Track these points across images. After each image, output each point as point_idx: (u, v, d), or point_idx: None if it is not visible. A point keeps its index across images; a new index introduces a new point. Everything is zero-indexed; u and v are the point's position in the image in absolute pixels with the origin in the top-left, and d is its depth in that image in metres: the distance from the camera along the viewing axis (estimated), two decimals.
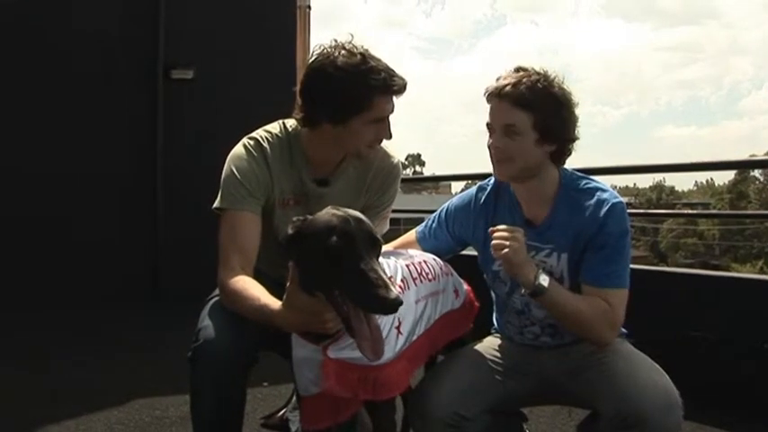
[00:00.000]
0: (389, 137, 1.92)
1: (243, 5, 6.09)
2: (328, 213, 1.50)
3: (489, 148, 1.85)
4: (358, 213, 1.52)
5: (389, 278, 1.45)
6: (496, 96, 1.80)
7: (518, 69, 1.84)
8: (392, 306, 1.37)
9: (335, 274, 1.43)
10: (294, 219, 1.54)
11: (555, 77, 1.81)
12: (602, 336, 1.75)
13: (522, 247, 1.74)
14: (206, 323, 1.82)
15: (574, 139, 1.85)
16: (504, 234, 1.75)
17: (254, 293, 1.69)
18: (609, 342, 1.75)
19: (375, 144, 1.92)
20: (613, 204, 1.78)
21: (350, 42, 1.85)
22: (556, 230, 1.84)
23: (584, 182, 1.87)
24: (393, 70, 1.84)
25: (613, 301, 1.75)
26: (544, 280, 1.72)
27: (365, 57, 1.82)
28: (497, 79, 1.84)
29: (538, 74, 1.80)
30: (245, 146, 1.96)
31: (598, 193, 1.81)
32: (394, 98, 1.87)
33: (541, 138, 1.79)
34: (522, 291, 1.79)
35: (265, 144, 1.96)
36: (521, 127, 1.78)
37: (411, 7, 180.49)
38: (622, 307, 1.77)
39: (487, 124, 1.85)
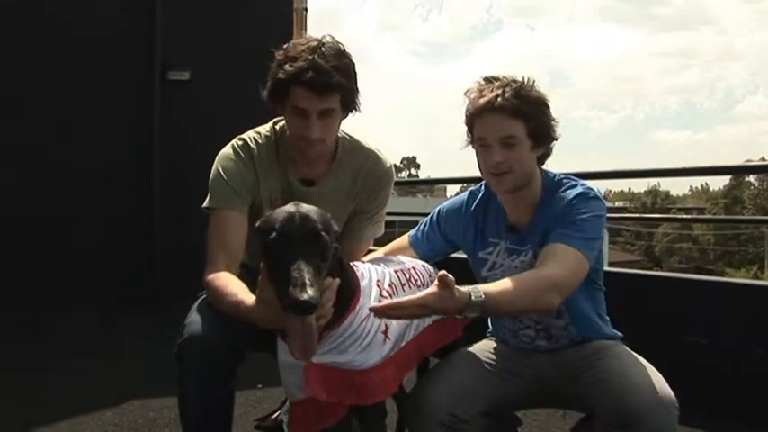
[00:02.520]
0: (313, 135, 1.85)
1: (239, 7, 6.10)
2: (282, 209, 1.51)
3: (482, 164, 1.84)
4: (310, 210, 1.50)
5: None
6: (490, 110, 1.77)
7: (489, 80, 1.83)
8: (300, 307, 1.33)
9: (273, 270, 1.44)
10: (266, 213, 1.56)
11: (528, 81, 1.82)
12: (548, 304, 1.65)
13: (438, 302, 1.49)
14: (192, 319, 1.84)
15: (557, 138, 1.87)
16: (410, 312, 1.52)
17: (233, 290, 1.70)
18: (554, 307, 1.67)
19: (305, 141, 1.87)
20: (582, 191, 1.79)
21: (329, 35, 1.87)
22: (535, 231, 1.85)
23: (564, 181, 1.88)
24: (320, 66, 1.79)
25: (563, 258, 1.68)
26: (479, 297, 1.53)
27: (304, 47, 1.83)
28: (474, 93, 1.83)
29: (514, 81, 1.80)
30: (232, 146, 2.00)
31: (572, 189, 1.82)
32: (314, 94, 1.80)
33: (535, 144, 1.80)
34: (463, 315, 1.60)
35: (252, 144, 1.99)
36: (519, 137, 1.77)
37: (408, 11, 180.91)
38: (571, 267, 1.68)
39: (479, 139, 1.82)
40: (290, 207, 1.51)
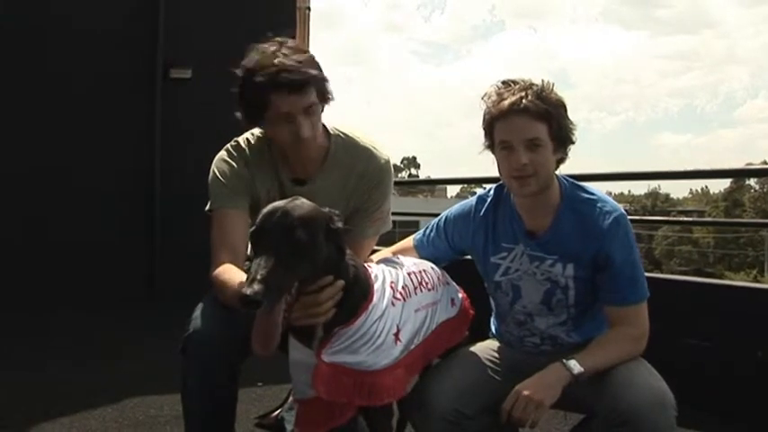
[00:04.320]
0: (306, 134, 1.87)
1: (242, 5, 6.10)
2: (274, 204, 1.52)
3: (504, 168, 1.82)
4: (300, 206, 1.50)
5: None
6: (515, 112, 1.76)
7: (508, 83, 1.83)
8: (241, 300, 1.33)
9: None
10: None
11: (548, 84, 1.82)
12: (639, 352, 1.80)
13: (545, 396, 1.67)
14: (197, 314, 1.86)
15: (574, 142, 1.86)
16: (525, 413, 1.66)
17: (238, 282, 1.71)
18: (643, 349, 1.80)
19: (298, 142, 1.89)
20: (616, 219, 1.79)
21: (276, 39, 1.89)
22: (559, 241, 1.84)
23: (585, 192, 1.87)
24: (290, 66, 1.82)
25: (635, 317, 1.80)
26: (575, 366, 1.69)
27: (263, 53, 1.85)
28: (493, 96, 1.82)
29: (533, 84, 1.80)
30: (226, 149, 2.05)
31: (600, 205, 1.82)
32: (292, 95, 1.83)
33: (556, 146, 1.80)
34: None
35: (244, 145, 2.04)
36: (543, 139, 1.76)
37: (410, 11, 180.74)
38: (645, 316, 1.81)
39: (503, 142, 1.80)
40: (280, 202, 1.52)
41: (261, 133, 2.05)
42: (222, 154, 2.04)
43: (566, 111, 1.83)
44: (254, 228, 1.47)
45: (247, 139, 2.05)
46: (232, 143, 2.06)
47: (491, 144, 1.86)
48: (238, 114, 1.94)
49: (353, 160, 2.04)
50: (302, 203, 1.52)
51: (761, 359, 2.78)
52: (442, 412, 1.78)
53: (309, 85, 1.85)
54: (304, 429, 1.71)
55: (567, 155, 1.86)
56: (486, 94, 1.85)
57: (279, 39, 1.91)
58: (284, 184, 2.02)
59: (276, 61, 1.81)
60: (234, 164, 2.00)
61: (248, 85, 1.84)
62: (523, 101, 1.75)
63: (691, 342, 2.98)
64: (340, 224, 1.57)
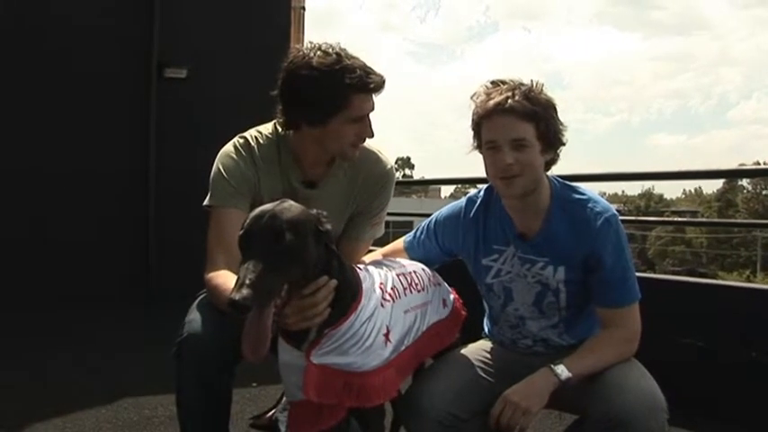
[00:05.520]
0: (371, 135, 1.92)
1: (237, 6, 6.09)
2: (261, 207, 1.50)
3: (490, 168, 1.81)
4: (288, 209, 1.48)
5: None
6: (500, 112, 1.75)
7: (496, 83, 1.82)
8: (229, 305, 1.31)
9: None
10: None
11: (537, 84, 1.81)
12: (630, 354, 1.79)
13: (532, 403, 1.68)
14: (191, 317, 1.84)
15: (564, 143, 1.85)
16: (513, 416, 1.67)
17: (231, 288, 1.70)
18: (634, 351, 1.80)
19: (358, 143, 1.92)
20: (607, 219, 1.78)
21: (326, 43, 1.87)
22: (550, 244, 1.83)
23: (576, 192, 1.86)
24: (370, 68, 1.86)
25: (627, 319, 1.79)
26: (563, 372, 1.70)
27: (340, 56, 1.83)
28: (482, 96, 1.81)
29: (522, 84, 1.79)
30: (233, 144, 1.99)
31: (591, 205, 1.80)
32: (372, 96, 1.88)
33: (543, 147, 1.79)
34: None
35: (254, 143, 1.98)
36: (529, 139, 1.75)
37: (406, 12, 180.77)
38: (636, 318, 1.81)
39: (489, 141, 1.79)
40: (268, 205, 1.50)
41: (271, 133, 2.00)
42: (229, 149, 1.98)
43: (555, 111, 1.81)
44: (242, 231, 1.45)
45: (256, 137, 2.00)
46: (239, 140, 2.00)
47: (479, 144, 1.85)
48: (279, 109, 1.93)
49: (360, 164, 2.02)
50: (290, 206, 1.50)
51: (755, 359, 2.79)
52: (437, 415, 1.77)
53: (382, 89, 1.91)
54: (295, 430, 1.71)
55: (557, 156, 1.85)
56: (474, 94, 1.84)
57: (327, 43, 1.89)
58: (294, 186, 1.99)
59: (359, 64, 1.84)
60: (241, 162, 1.95)
61: (331, 83, 1.81)
62: (509, 101, 1.75)
63: (684, 342, 2.99)
64: (329, 226, 1.56)
